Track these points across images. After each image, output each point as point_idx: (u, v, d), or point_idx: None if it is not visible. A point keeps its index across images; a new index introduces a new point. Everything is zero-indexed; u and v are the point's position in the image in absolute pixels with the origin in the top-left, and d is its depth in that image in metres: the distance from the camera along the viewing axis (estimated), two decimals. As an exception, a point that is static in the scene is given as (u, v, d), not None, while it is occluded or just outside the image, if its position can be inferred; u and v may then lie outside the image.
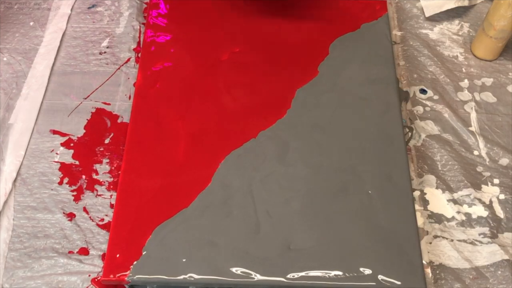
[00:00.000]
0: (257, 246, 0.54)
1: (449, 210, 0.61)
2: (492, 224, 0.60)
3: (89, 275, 0.56)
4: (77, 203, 0.60)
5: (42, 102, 0.68)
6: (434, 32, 0.77)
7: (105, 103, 0.68)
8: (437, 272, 0.57)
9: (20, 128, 0.66)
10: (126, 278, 0.52)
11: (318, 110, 0.64)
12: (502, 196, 0.62)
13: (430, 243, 0.59)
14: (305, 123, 0.63)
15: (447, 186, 0.63)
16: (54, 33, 0.75)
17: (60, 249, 0.57)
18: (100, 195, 0.61)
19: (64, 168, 0.63)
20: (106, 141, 0.65)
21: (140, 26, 0.77)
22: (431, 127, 0.67)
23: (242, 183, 0.58)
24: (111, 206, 0.60)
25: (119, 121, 0.67)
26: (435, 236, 0.59)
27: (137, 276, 0.52)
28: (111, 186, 0.61)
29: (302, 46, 0.70)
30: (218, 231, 0.55)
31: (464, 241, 0.59)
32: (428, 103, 0.69)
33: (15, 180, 0.62)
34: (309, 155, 0.60)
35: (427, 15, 0.78)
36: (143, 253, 0.53)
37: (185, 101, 0.64)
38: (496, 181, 0.63)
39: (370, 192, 0.58)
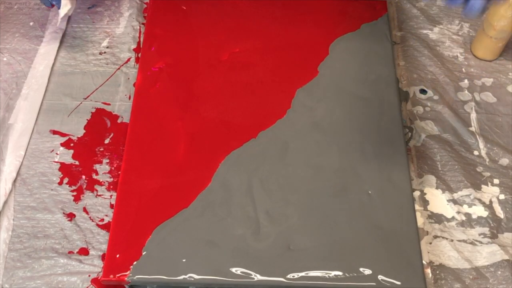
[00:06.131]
0: (257, 246, 0.54)
1: (449, 210, 0.61)
2: (492, 224, 0.60)
3: (89, 275, 0.56)
4: (77, 203, 0.60)
5: (42, 102, 0.68)
6: (434, 32, 0.77)
7: (105, 103, 0.68)
8: (437, 272, 0.57)
9: (20, 128, 0.66)
10: (126, 278, 0.52)
11: (318, 110, 0.64)
12: (502, 196, 0.62)
13: (430, 243, 0.59)
14: (305, 123, 0.63)
15: (447, 186, 0.62)
16: (54, 33, 0.75)
17: (60, 249, 0.57)
18: (100, 195, 0.61)
19: (64, 168, 0.63)
20: (106, 141, 0.65)
21: (140, 26, 0.77)
22: (431, 127, 0.67)
23: (242, 183, 0.58)
24: (111, 206, 0.60)
25: (119, 121, 0.67)
26: (435, 236, 0.59)
27: (137, 276, 0.52)
28: (111, 186, 0.61)
29: (302, 46, 0.70)
30: (218, 231, 0.55)
31: (464, 241, 0.59)
32: (428, 103, 0.69)
33: (15, 180, 0.62)
34: (309, 155, 0.60)
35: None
36: (143, 253, 0.53)
37: (185, 101, 0.64)
38: (496, 181, 0.63)
39: (370, 192, 0.58)
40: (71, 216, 0.59)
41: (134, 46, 0.74)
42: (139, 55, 0.71)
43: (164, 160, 0.60)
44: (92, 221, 0.59)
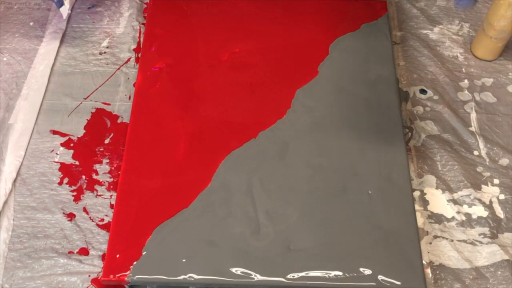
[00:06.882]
0: (257, 246, 0.54)
1: (449, 210, 0.61)
2: (492, 224, 0.60)
3: (89, 275, 0.56)
4: (77, 203, 0.60)
5: (42, 102, 0.68)
6: (434, 32, 0.77)
7: (105, 103, 0.68)
8: (437, 272, 0.57)
9: (20, 128, 0.66)
10: (126, 278, 0.52)
11: (318, 110, 0.64)
12: (502, 196, 0.62)
13: (430, 243, 0.59)
14: (305, 123, 0.63)
15: (447, 186, 0.63)
16: (54, 33, 0.75)
17: (60, 249, 0.57)
18: (100, 195, 0.61)
19: (64, 168, 0.63)
20: (106, 141, 0.65)
21: (140, 26, 0.77)
22: (431, 127, 0.67)
23: (242, 183, 0.58)
24: (111, 206, 0.60)
25: (119, 121, 0.67)
26: (435, 236, 0.59)
27: (137, 276, 0.52)
28: (111, 186, 0.61)
29: (302, 46, 0.70)
30: (218, 231, 0.55)
31: (464, 241, 0.59)
32: (428, 103, 0.69)
33: (15, 180, 0.62)
34: (309, 155, 0.60)
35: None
36: (143, 253, 0.53)
37: (185, 101, 0.64)
38: (496, 181, 0.63)
39: (370, 192, 0.58)
40: (71, 216, 0.59)
41: (134, 46, 0.74)
42: (139, 55, 0.71)
43: (164, 160, 0.60)
44: (92, 221, 0.59)
